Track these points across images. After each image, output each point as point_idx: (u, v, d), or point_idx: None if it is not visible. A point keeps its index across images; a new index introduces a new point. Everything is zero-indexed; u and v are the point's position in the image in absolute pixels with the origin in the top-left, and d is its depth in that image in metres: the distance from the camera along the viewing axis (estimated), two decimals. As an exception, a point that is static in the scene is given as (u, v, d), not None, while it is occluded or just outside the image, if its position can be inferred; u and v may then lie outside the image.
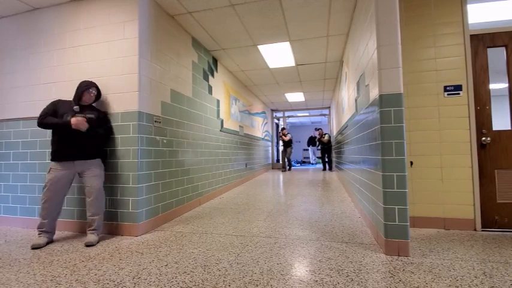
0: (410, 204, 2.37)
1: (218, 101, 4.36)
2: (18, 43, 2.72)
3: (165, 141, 2.72)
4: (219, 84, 4.47)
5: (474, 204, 2.28)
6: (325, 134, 8.54)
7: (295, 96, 7.67)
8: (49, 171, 2.12)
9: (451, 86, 2.33)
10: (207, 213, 3.04)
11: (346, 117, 4.14)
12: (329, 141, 8.41)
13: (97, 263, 1.73)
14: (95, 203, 2.16)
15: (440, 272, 1.54)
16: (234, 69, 5.00)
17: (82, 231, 2.42)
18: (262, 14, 2.98)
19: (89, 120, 2.15)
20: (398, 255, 1.77)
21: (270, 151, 9.75)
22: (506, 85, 2.32)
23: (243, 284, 1.44)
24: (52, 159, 2.13)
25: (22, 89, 2.68)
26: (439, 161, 2.34)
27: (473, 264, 1.63)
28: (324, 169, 8.80)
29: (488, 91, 2.31)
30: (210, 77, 4.04)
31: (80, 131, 2.11)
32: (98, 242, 2.13)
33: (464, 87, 2.31)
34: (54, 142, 2.14)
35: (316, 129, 9.24)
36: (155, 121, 2.55)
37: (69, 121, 2.06)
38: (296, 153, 14.11)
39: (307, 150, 13.62)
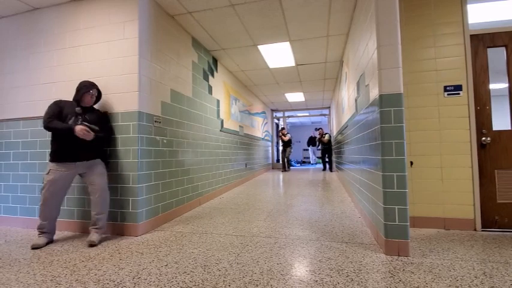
0: (410, 204, 2.37)
1: (218, 101, 4.36)
2: (18, 43, 2.72)
3: (165, 141, 2.72)
4: (219, 84, 4.47)
5: (474, 204, 2.28)
6: (326, 133, 8.46)
7: (295, 96, 7.66)
8: (48, 173, 2.07)
9: (451, 86, 2.33)
10: (207, 213, 3.04)
11: (346, 117, 4.14)
12: (329, 141, 8.34)
13: (97, 263, 1.74)
14: (100, 202, 2.16)
15: (440, 272, 1.54)
16: (234, 69, 5.00)
17: (82, 231, 2.42)
18: (262, 14, 2.98)
19: (92, 130, 2.14)
20: (398, 255, 1.77)
21: (270, 151, 9.75)
22: (506, 85, 2.32)
23: (243, 284, 1.44)
24: (52, 160, 2.09)
25: (22, 89, 2.68)
26: (439, 161, 2.34)
27: (473, 264, 1.63)
28: (324, 169, 8.78)
29: (488, 91, 2.31)
30: (210, 77, 4.04)
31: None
32: (100, 242, 2.13)
33: (464, 87, 2.31)
34: (55, 142, 2.11)
35: (317, 129, 9.20)
36: (155, 121, 2.55)
37: (73, 128, 2.03)
38: (296, 153, 14.11)
39: (307, 150, 13.63)
